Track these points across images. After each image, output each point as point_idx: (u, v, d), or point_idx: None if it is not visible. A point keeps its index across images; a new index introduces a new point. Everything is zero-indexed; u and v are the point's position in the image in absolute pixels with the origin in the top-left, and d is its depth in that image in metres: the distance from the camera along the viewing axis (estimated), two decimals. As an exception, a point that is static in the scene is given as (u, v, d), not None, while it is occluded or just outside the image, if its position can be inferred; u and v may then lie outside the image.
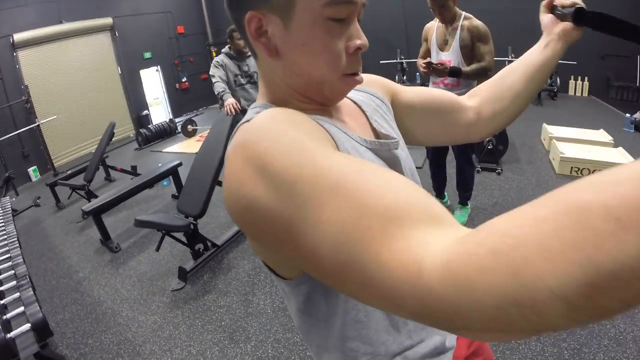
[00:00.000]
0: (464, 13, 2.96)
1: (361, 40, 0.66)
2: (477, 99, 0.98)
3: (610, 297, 0.28)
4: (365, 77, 0.95)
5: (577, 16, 0.83)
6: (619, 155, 4.32)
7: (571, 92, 8.22)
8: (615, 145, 4.63)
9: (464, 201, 3.64)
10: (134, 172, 6.48)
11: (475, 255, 0.34)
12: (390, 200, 0.44)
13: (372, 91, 0.92)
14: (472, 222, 3.53)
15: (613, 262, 0.27)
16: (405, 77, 8.44)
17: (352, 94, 0.87)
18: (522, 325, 0.33)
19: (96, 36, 10.34)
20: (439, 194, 3.84)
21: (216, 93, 4.08)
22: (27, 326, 2.30)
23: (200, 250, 3.60)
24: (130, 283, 3.55)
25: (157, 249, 3.52)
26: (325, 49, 0.64)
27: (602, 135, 4.96)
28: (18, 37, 8.75)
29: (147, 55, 11.17)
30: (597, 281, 0.27)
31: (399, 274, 0.39)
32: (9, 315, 2.39)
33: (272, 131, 0.56)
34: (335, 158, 0.49)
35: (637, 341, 2.16)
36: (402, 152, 0.83)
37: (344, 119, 0.78)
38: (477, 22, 2.91)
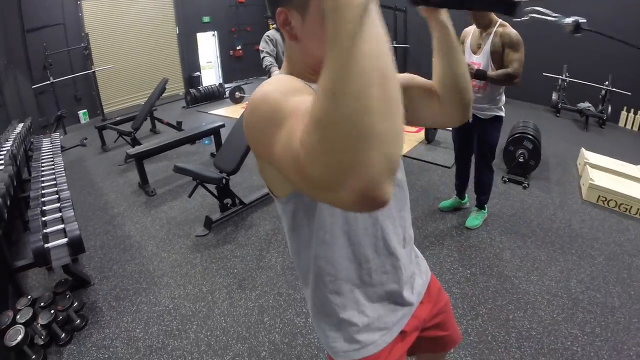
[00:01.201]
0: (500, 20, 3.03)
1: None
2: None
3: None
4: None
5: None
6: (650, 193, 4.10)
7: (622, 123, 7.83)
8: (651, 184, 4.37)
9: (479, 204, 3.71)
10: (178, 127, 6.83)
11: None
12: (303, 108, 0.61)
13: None
14: (485, 227, 3.63)
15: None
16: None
17: None
18: (330, 170, 0.48)
19: (159, -5, 10.68)
20: (460, 193, 3.92)
21: (264, 66, 4.30)
22: (64, 240, 2.58)
23: (228, 205, 3.86)
24: (160, 224, 3.86)
25: (190, 196, 3.81)
26: None
27: (639, 171, 4.68)
28: (83, -13, 9.16)
29: (206, 19, 11.46)
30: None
31: (296, 153, 0.54)
32: (48, 230, 2.67)
33: (274, 82, 0.78)
34: (296, 98, 0.69)
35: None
36: None
37: None
38: (510, 30, 2.96)
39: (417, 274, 1.19)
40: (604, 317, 2.55)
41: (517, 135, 4.67)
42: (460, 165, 3.74)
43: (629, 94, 6.89)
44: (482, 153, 3.43)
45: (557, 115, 7.91)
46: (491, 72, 2.99)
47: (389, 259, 1.03)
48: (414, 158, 5.40)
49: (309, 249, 0.98)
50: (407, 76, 1.12)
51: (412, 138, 6.24)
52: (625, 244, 3.37)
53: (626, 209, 4.01)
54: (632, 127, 7.68)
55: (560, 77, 7.61)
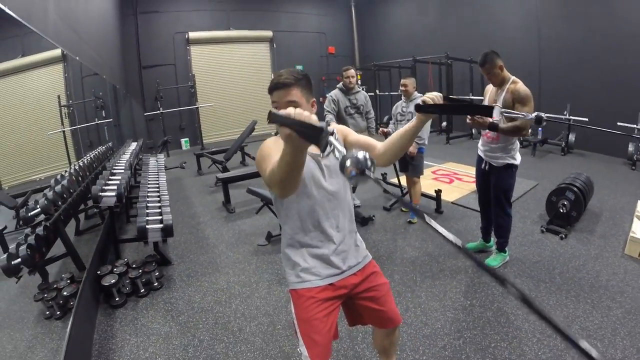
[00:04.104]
0: (512, 77, 3.28)
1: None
2: (383, 144, 1.66)
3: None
4: (337, 126, 1.84)
5: (416, 108, 1.49)
6: None
7: None
8: None
9: (499, 247, 3.77)
10: (263, 161, 7.90)
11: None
12: (273, 160, 1.36)
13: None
14: (503, 269, 3.66)
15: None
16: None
17: None
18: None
19: (257, 45, 12.40)
20: (485, 236, 4.03)
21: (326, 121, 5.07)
22: (160, 225, 3.56)
23: (287, 224, 4.72)
24: (232, 233, 4.85)
25: (257, 212, 4.93)
26: None
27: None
28: (192, 35, 11.14)
29: (299, 67, 12.53)
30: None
31: (266, 176, 1.41)
32: (150, 218, 3.67)
33: (268, 144, 1.62)
34: (273, 153, 1.46)
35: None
36: (327, 160, 1.67)
37: None
38: (519, 87, 3.18)
39: (350, 253, 1.77)
40: (597, 367, 2.47)
41: (561, 186, 4.56)
42: (483, 209, 3.93)
43: None
44: (497, 198, 3.61)
45: (633, 168, 6.98)
46: (502, 125, 3.21)
47: (322, 234, 1.69)
48: (460, 205, 5.57)
49: (281, 219, 1.75)
50: (357, 137, 1.78)
51: (465, 187, 6.39)
52: (657, 300, 3.06)
53: (673, 266, 3.46)
54: None
55: (635, 126, 7.03)
